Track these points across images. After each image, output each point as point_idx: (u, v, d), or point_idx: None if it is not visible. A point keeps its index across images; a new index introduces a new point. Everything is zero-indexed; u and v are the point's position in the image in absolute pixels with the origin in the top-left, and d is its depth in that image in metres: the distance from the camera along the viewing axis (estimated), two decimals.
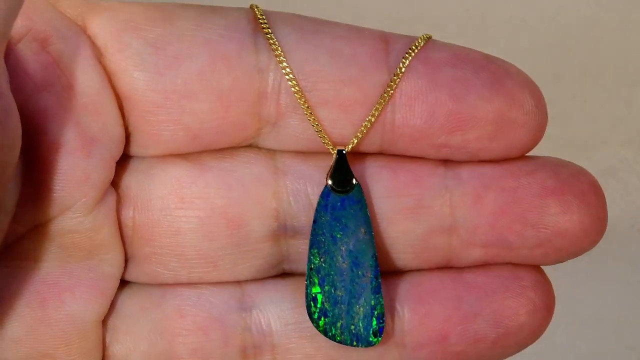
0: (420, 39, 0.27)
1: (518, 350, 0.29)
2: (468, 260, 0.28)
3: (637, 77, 0.68)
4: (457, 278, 0.28)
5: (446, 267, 0.28)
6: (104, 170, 0.26)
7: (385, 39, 0.27)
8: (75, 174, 0.26)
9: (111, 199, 0.27)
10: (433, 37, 0.28)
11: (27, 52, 0.25)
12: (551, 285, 0.29)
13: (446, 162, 0.28)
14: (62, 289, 0.27)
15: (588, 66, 0.68)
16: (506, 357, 0.29)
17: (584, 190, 0.27)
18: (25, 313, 0.26)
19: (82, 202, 0.26)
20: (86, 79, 0.26)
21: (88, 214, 0.26)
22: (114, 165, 0.27)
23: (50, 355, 0.27)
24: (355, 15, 0.67)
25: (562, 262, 0.28)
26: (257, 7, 0.27)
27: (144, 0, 0.28)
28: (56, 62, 0.25)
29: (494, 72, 0.27)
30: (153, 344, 0.28)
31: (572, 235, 0.27)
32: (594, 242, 0.28)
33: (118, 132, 0.27)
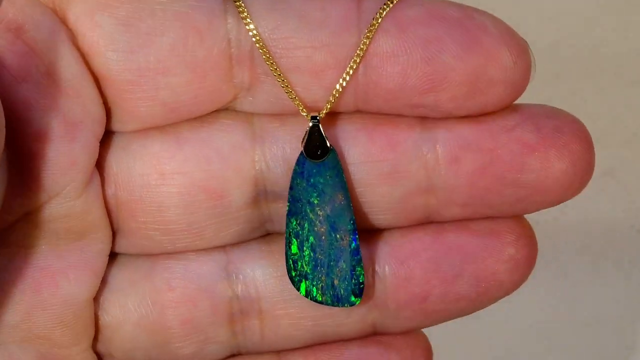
0: None
1: (497, 300, 0.29)
2: (448, 217, 0.28)
3: (637, 77, 0.68)
4: (437, 239, 0.28)
5: (427, 223, 0.28)
6: (89, 152, 0.26)
7: None
8: (62, 160, 0.26)
9: (97, 179, 0.27)
10: None
11: (2, 43, 0.25)
12: (533, 236, 0.29)
13: (423, 120, 0.27)
14: (56, 272, 0.27)
15: (588, 66, 0.68)
16: (488, 306, 0.29)
17: (567, 140, 0.27)
18: (20, 299, 0.27)
19: (71, 187, 0.26)
20: (64, 64, 0.26)
21: (78, 197, 0.26)
22: (98, 145, 0.27)
23: (46, 337, 0.27)
24: None
25: (547, 208, 0.28)
26: None
27: None
28: (32, 51, 0.25)
29: (469, 29, 0.26)
30: (143, 316, 0.29)
31: (554, 188, 0.27)
32: (578, 190, 0.27)
33: (99, 112, 0.27)
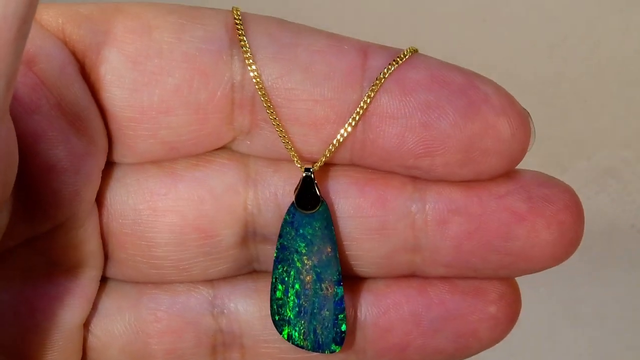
0: (403, 54, 0.27)
1: (475, 354, 0.29)
2: (432, 275, 0.28)
3: (637, 77, 0.68)
4: (421, 293, 0.28)
5: (412, 277, 0.28)
6: (92, 184, 0.27)
7: (364, 53, 0.27)
8: (66, 191, 0.26)
9: (95, 209, 0.27)
10: (419, 51, 0.27)
11: None
12: (517, 293, 0.29)
13: (415, 180, 0.28)
14: (51, 298, 0.27)
15: (588, 66, 0.68)
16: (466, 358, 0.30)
17: (556, 211, 0.27)
18: (15, 322, 0.27)
19: (73, 217, 0.26)
20: (73, 97, 0.26)
21: (79, 228, 0.27)
22: (100, 176, 0.27)
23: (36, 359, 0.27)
24: (356, 16, 0.67)
25: (531, 273, 0.28)
26: (237, 10, 0.27)
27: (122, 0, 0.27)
28: (43, 83, 0.25)
29: (470, 97, 0.26)
30: (129, 343, 0.29)
31: (540, 257, 0.27)
32: (563, 258, 0.27)
33: (103, 144, 0.27)
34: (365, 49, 0.27)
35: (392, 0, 0.67)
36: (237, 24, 0.27)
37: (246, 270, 0.30)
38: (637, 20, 0.68)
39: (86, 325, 0.28)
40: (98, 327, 0.29)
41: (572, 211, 0.27)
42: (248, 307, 0.29)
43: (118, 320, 0.29)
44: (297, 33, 0.27)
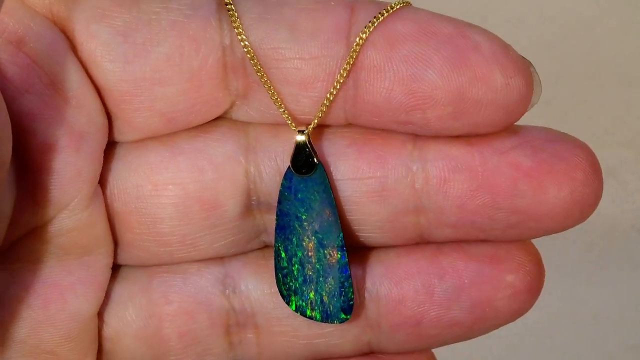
0: (391, 6, 0.26)
1: (496, 329, 0.28)
2: (440, 238, 0.28)
3: (637, 77, 0.68)
4: (433, 262, 0.28)
5: (422, 244, 0.28)
6: (94, 163, 0.26)
7: (351, 8, 0.26)
8: (68, 171, 0.25)
9: (100, 191, 0.27)
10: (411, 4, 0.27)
11: (3, 56, 0.25)
12: (539, 264, 0.28)
13: (415, 138, 0.27)
14: (64, 288, 0.27)
15: (588, 66, 0.68)
16: (485, 333, 0.29)
17: (566, 167, 0.26)
18: (28, 315, 0.26)
19: (78, 199, 0.26)
20: (66, 75, 0.26)
21: (85, 209, 0.26)
22: (102, 155, 0.27)
23: (53, 352, 0.27)
24: None
25: (547, 235, 0.27)
26: None
27: None
28: (34, 62, 0.25)
29: (459, 46, 0.25)
30: (142, 328, 0.29)
31: (550, 216, 0.26)
32: (579, 219, 0.26)
33: (102, 121, 0.27)
34: (352, 4, 0.26)
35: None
36: None
37: (256, 245, 0.29)
38: (637, 20, 0.68)
39: (100, 314, 0.28)
40: (111, 316, 0.29)
41: (584, 168, 0.26)
42: (259, 284, 0.29)
43: (130, 307, 0.29)
44: None
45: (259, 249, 0.30)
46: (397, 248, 0.28)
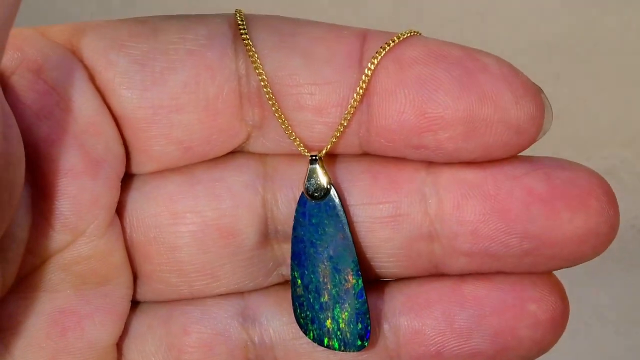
0: (401, 34, 0.27)
1: None
2: (455, 268, 0.27)
3: (637, 77, 0.68)
4: (455, 290, 0.27)
5: (443, 276, 0.28)
6: (111, 190, 0.26)
7: (363, 37, 0.27)
8: (85, 197, 0.26)
9: (117, 220, 0.27)
10: (421, 34, 0.27)
11: (22, 83, 0.25)
12: (563, 297, 0.27)
13: (429, 165, 0.27)
14: (82, 317, 0.27)
15: (588, 66, 0.68)
16: None
17: (582, 194, 0.26)
18: (46, 344, 0.26)
19: (95, 225, 0.26)
20: (84, 102, 0.26)
21: (101, 236, 0.26)
22: (119, 184, 0.27)
23: None
24: (355, 16, 0.67)
25: (565, 268, 0.27)
26: (240, 11, 0.27)
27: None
28: (52, 89, 0.25)
29: (467, 68, 0.25)
30: None
31: (565, 243, 0.26)
32: (598, 249, 0.26)
33: (119, 150, 0.27)
34: (364, 34, 0.27)
35: (392, 1, 0.67)
36: (239, 21, 0.27)
37: (276, 278, 0.29)
38: (637, 20, 0.68)
39: (119, 347, 0.28)
40: (130, 349, 0.29)
41: (599, 197, 0.26)
42: (278, 316, 0.29)
43: (149, 339, 0.28)
44: (297, 23, 0.27)
45: (279, 284, 0.29)
46: (419, 279, 0.28)
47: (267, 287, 0.29)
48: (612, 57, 0.68)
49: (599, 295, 0.62)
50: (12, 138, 0.23)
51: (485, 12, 0.68)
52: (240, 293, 0.29)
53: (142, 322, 0.29)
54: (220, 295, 0.29)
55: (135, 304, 0.29)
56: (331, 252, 0.28)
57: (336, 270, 0.28)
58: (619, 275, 0.63)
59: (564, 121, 0.68)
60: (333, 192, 0.27)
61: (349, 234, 0.27)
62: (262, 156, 0.28)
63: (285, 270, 0.29)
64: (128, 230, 0.28)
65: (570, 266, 0.27)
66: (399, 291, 0.28)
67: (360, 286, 0.27)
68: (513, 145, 0.26)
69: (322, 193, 0.27)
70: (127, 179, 0.28)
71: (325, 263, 0.28)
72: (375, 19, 0.66)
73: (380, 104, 0.26)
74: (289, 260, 0.29)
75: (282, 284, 0.29)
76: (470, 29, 0.68)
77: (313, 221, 0.28)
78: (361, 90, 0.26)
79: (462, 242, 0.27)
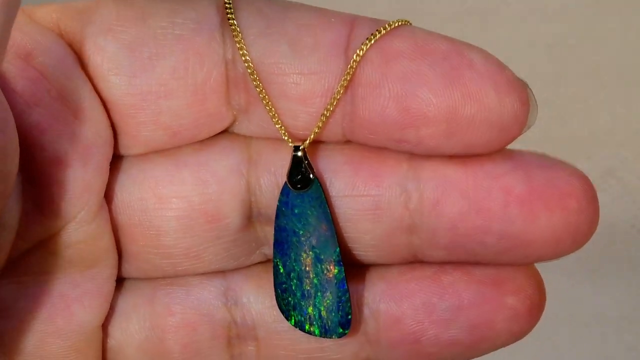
0: (390, 24, 0.26)
1: (497, 349, 0.28)
2: (434, 258, 0.28)
3: (637, 77, 0.68)
4: (435, 280, 0.28)
5: (423, 263, 0.28)
6: (100, 176, 0.27)
7: (351, 24, 0.27)
8: (76, 183, 0.26)
9: (105, 204, 0.27)
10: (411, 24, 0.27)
11: (12, 70, 0.25)
12: (541, 288, 0.28)
13: (411, 157, 0.27)
14: (70, 300, 0.27)
15: (588, 66, 0.68)
16: (484, 354, 0.29)
17: (561, 194, 0.25)
18: (36, 327, 0.27)
19: (85, 211, 0.26)
20: (74, 88, 0.26)
21: (91, 222, 0.26)
22: (108, 168, 0.27)
23: None
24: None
25: (543, 262, 0.27)
26: None
27: None
28: (43, 76, 0.25)
29: (453, 64, 0.25)
30: (145, 340, 0.29)
31: (541, 243, 0.26)
32: (576, 245, 0.26)
33: (108, 134, 0.27)
34: (352, 21, 0.27)
35: (392, 1, 0.67)
36: (226, 3, 0.27)
37: (258, 257, 0.29)
38: (637, 20, 0.68)
39: (104, 326, 0.28)
40: (115, 327, 0.29)
41: (578, 197, 0.26)
42: (260, 297, 0.29)
43: (133, 318, 0.29)
44: (286, 8, 0.27)
45: (261, 262, 0.30)
46: (399, 266, 0.28)
47: (249, 267, 0.30)
48: (612, 57, 0.68)
49: (599, 295, 0.62)
50: (8, 130, 0.23)
51: (486, 12, 0.68)
52: (222, 272, 0.29)
53: (127, 301, 0.29)
54: (204, 274, 0.29)
55: (119, 280, 0.29)
56: (314, 242, 0.28)
57: (318, 259, 0.28)
58: (619, 275, 0.63)
59: (564, 121, 0.68)
60: (316, 183, 0.27)
61: (332, 225, 0.27)
62: (246, 139, 0.28)
63: (268, 250, 0.29)
64: (114, 212, 0.28)
65: (544, 261, 0.27)
66: (380, 278, 0.28)
67: (342, 275, 0.28)
68: (495, 142, 0.26)
69: (306, 184, 0.27)
70: (114, 160, 0.28)
71: (308, 252, 0.28)
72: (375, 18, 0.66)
73: (364, 97, 0.26)
74: (271, 241, 0.29)
75: (263, 264, 0.30)
76: (471, 29, 0.68)
77: (296, 211, 0.28)
78: (345, 82, 0.26)
79: (441, 237, 0.27)
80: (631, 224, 0.65)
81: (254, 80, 0.26)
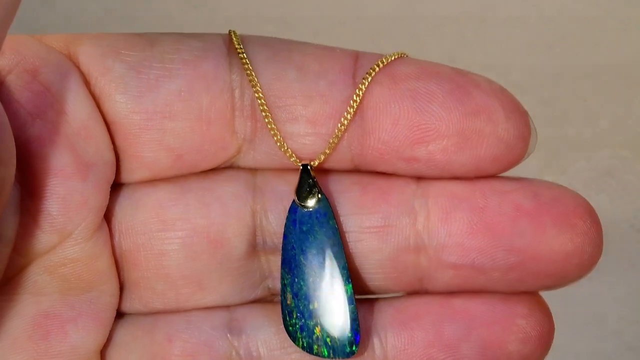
0: (392, 55, 0.27)
1: None
2: (441, 282, 0.28)
3: (637, 77, 0.68)
4: (444, 303, 0.28)
5: (434, 293, 0.28)
6: (100, 194, 0.27)
7: (355, 57, 0.27)
8: (74, 198, 0.26)
9: (105, 225, 0.27)
10: (409, 55, 0.28)
11: (18, 83, 0.25)
12: (549, 315, 0.28)
13: (419, 179, 0.27)
14: (65, 321, 0.27)
15: (588, 66, 0.68)
16: None
17: (568, 212, 0.26)
18: (29, 346, 0.26)
19: (82, 227, 0.26)
20: (77, 105, 0.26)
21: (88, 239, 0.26)
22: (109, 189, 0.27)
23: None
24: (354, 16, 0.67)
25: (551, 288, 0.27)
26: (234, 32, 0.28)
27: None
28: (47, 90, 0.26)
29: (460, 83, 0.26)
30: None
31: (551, 259, 0.26)
32: (583, 268, 0.27)
33: (110, 156, 0.27)
34: (355, 53, 0.28)
35: (391, 1, 0.67)
36: (234, 38, 0.27)
37: (262, 291, 0.29)
38: (637, 20, 0.68)
39: (102, 356, 0.28)
40: (114, 357, 0.29)
41: (584, 217, 0.26)
42: (266, 327, 0.29)
43: (133, 349, 0.29)
44: (291, 42, 0.28)
45: (264, 297, 0.30)
46: (411, 295, 0.28)
47: (254, 302, 0.29)
48: (612, 57, 0.68)
49: (598, 295, 0.62)
50: (4, 137, 0.23)
51: (485, 12, 0.68)
52: (226, 307, 0.29)
53: (127, 332, 0.29)
54: (207, 308, 0.29)
55: (121, 315, 0.29)
56: (321, 260, 0.28)
57: (326, 277, 0.28)
58: (619, 275, 0.63)
59: (564, 121, 0.68)
60: (324, 200, 0.28)
61: (340, 242, 0.28)
62: (252, 170, 0.29)
63: (272, 284, 0.29)
64: (116, 237, 0.28)
65: (556, 287, 0.27)
66: (389, 305, 0.28)
67: (350, 293, 0.28)
68: (503, 161, 0.26)
69: (314, 201, 0.27)
70: (118, 187, 0.28)
71: (316, 270, 0.28)
72: (376, 25, 0.66)
73: (374, 117, 0.27)
74: (276, 273, 0.29)
75: (268, 299, 0.30)
76: (471, 29, 0.68)
77: (304, 229, 0.28)
78: (355, 104, 0.27)
79: (449, 254, 0.27)
80: (630, 224, 0.65)
81: (262, 104, 0.27)
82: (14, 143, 0.24)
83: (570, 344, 0.59)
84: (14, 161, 0.24)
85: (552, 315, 0.28)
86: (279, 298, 0.29)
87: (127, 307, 0.29)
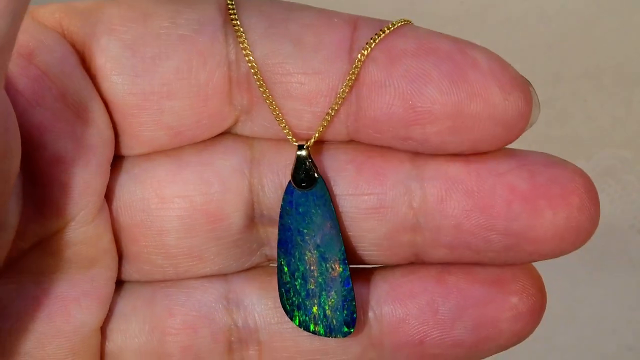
0: (392, 24, 0.27)
1: (499, 351, 0.28)
2: (436, 258, 0.28)
3: (637, 77, 0.68)
4: (439, 280, 0.28)
5: (425, 264, 0.28)
6: (101, 176, 0.27)
7: (354, 24, 0.27)
8: (76, 184, 0.26)
9: (106, 205, 0.27)
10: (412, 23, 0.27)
11: (14, 69, 0.25)
12: (542, 288, 0.28)
13: (415, 156, 0.27)
14: (68, 301, 0.27)
15: (588, 66, 0.68)
16: (487, 357, 0.29)
17: (562, 192, 0.26)
18: (34, 327, 0.26)
19: (85, 211, 0.26)
20: (76, 88, 0.26)
21: (91, 222, 0.26)
22: (109, 168, 0.27)
23: None
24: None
25: (544, 260, 0.27)
26: (230, 1, 0.27)
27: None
28: (45, 75, 0.25)
29: (457, 62, 0.25)
30: (144, 342, 0.29)
31: (545, 240, 0.26)
32: (575, 244, 0.26)
33: (109, 135, 0.27)
34: (355, 21, 0.27)
35: (391, 1, 0.67)
36: (229, 4, 0.27)
37: (259, 258, 0.29)
38: (637, 20, 0.68)
39: (102, 329, 0.28)
40: (113, 330, 0.29)
41: (581, 194, 0.26)
42: (263, 299, 0.29)
43: (133, 321, 0.29)
44: (288, 9, 0.27)
45: (262, 266, 0.30)
46: (402, 267, 0.28)
47: (250, 270, 0.29)
48: (612, 57, 0.68)
49: (598, 295, 0.62)
50: (11, 128, 0.23)
51: (486, 12, 0.68)
52: (223, 275, 0.29)
53: (126, 304, 0.29)
54: (204, 277, 0.29)
55: (119, 283, 0.29)
56: (318, 241, 0.28)
57: (323, 258, 0.28)
58: (619, 275, 0.63)
59: (564, 121, 0.68)
60: (321, 181, 0.27)
61: (337, 224, 0.28)
62: (249, 139, 0.28)
63: (269, 251, 0.29)
64: (115, 213, 0.28)
65: (548, 259, 0.27)
66: (383, 280, 0.28)
67: (346, 274, 0.28)
68: (500, 139, 0.26)
69: (310, 182, 0.27)
70: (116, 160, 0.28)
71: (312, 251, 0.28)
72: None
73: (369, 96, 0.26)
74: (272, 242, 0.29)
75: (265, 268, 0.30)
76: (471, 29, 0.68)
77: (300, 210, 0.28)
78: (350, 82, 0.26)
79: (445, 235, 0.27)
80: (630, 224, 0.65)
81: (258, 80, 0.26)
82: (19, 134, 0.24)
83: (570, 344, 0.59)
84: (20, 153, 0.24)
85: (544, 286, 0.28)
86: (275, 263, 0.29)
87: (125, 276, 0.29)
